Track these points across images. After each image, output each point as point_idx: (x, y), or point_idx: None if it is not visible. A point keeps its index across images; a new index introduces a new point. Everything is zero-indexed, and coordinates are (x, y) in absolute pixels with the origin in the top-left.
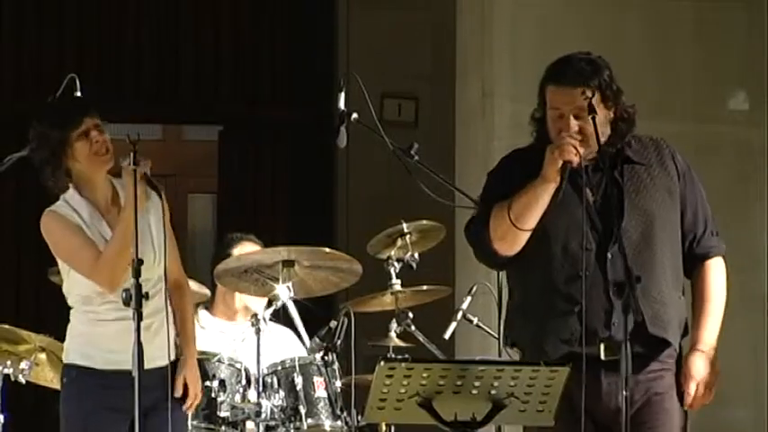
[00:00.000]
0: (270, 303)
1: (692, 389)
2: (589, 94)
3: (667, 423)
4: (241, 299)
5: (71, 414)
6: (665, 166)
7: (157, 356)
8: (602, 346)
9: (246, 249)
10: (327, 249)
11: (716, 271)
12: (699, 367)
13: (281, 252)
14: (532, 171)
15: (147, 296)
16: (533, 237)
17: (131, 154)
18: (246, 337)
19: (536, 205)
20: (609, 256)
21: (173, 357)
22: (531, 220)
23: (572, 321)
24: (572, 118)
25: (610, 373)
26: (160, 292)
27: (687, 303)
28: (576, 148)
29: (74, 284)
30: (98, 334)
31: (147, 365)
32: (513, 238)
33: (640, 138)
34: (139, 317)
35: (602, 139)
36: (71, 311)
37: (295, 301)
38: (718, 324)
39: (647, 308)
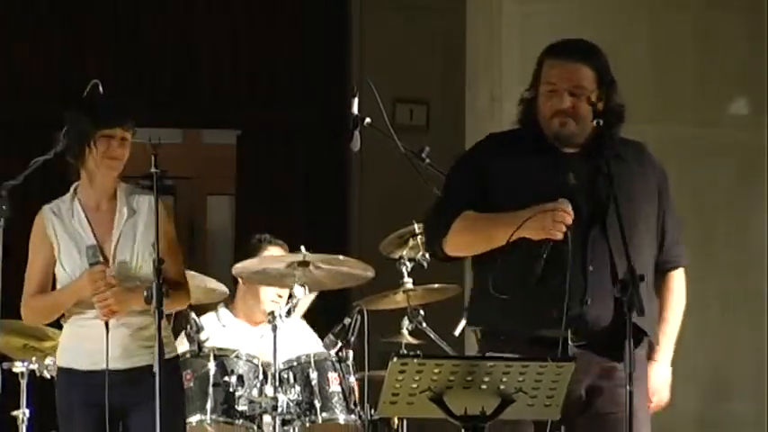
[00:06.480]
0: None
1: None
2: (593, 98)
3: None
4: (263, 300)
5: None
6: (645, 169)
7: (138, 354)
8: (569, 333)
9: (274, 254)
10: (341, 257)
11: (679, 281)
12: (653, 377)
13: (298, 256)
14: (505, 151)
15: (167, 293)
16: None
17: (152, 157)
18: (264, 334)
19: (495, 242)
20: (590, 236)
21: (168, 355)
22: (486, 249)
23: (555, 294)
24: (566, 95)
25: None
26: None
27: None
28: (566, 227)
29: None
30: (82, 336)
31: (125, 365)
32: (468, 253)
33: (622, 137)
34: (160, 315)
35: (589, 125)
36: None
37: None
38: (675, 335)
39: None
